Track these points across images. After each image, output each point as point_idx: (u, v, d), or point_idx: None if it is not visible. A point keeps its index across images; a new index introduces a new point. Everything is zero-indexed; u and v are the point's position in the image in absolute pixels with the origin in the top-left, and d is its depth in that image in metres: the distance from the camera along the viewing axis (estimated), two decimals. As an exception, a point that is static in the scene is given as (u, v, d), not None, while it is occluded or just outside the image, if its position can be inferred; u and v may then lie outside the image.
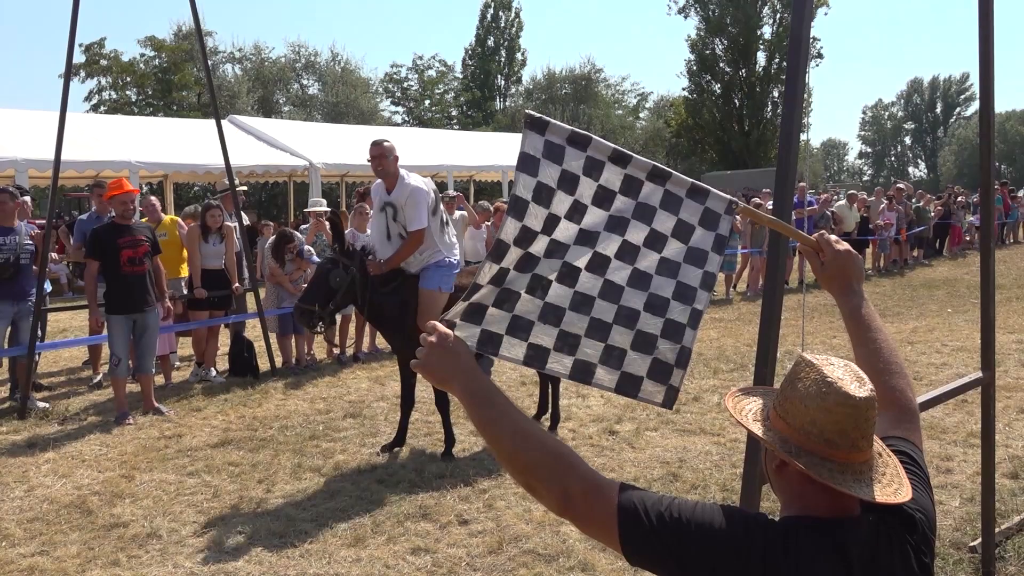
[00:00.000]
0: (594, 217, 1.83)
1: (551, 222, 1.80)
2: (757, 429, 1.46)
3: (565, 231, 1.82)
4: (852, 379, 1.40)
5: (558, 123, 1.78)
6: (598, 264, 1.86)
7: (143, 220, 8.09)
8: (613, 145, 1.82)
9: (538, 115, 1.77)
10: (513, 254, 1.78)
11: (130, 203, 6.96)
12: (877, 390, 1.46)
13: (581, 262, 1.84)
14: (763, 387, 1.62)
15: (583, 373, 1.88)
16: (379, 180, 5.94)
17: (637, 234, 1.87)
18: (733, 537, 1.38)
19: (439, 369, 1.61)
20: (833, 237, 1.90)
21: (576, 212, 1.82)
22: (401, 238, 5.79)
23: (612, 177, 1.83)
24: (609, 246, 1.86)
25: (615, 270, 1.87)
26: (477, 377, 1.59)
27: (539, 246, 1.80)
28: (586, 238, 1.84)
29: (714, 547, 1.38)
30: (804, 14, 2.45)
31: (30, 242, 7.32)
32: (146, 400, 7.10)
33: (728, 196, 1.93)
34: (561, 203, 1.80)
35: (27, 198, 8.17)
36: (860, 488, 1.37)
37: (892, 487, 1.39)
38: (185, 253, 8.39)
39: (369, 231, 7.50)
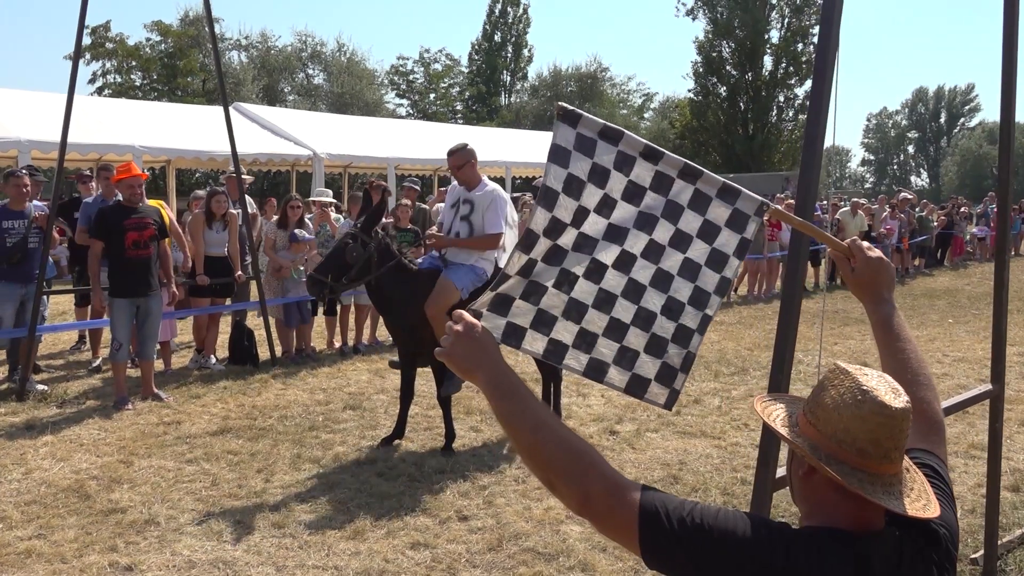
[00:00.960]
0: (623, 212, 1.82)
1: (581, 214, 1.78)
2: (786, 434, 1.44)
3: (594, 225, 1.80)
4: (888, 389, 1.38)
5: (591, 116, 1.76)
6: (624, 262, 1.85)
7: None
8: (645, 141, 1.81)
9: (571, 107, 1.75)
10: (542, 245, 1.77)
11: (137, 187, 6.92)
12: None
13: (608, 258, 1.84)
14: (789, 395, 1.60)
15: (596, 371, 1.89)
16: (454, 182, 6.08)
17: (664, 233, 1.87)
18: (755, 545, 1.36)
19: (464, 359, 1.58)
20: (865, 244, 1.87)
21: (605, 206, 1.80)
22: (458, 236, 5.85)
23: (643, 173, 1.81)
24: (636, 244, 1.85)
25: (640, 269, 1.87)
26: (502, 369, 1.56)
27: (568, 238, 1.79)
28: (615, 234, 1.83)
29: (735, 555, 1.36)
30: (833, 18, 2.43)
31: (36, 226, 7.29)
32: (145, 386, 7.07)
33: (760, 197, 1.91)
34: (591, 196, 1.78)
35: (40, 176, 8.16)
36: (890, 500, 1.35)
37: (921, 502, 1.37)
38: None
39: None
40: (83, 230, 7.66)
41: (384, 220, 9.50)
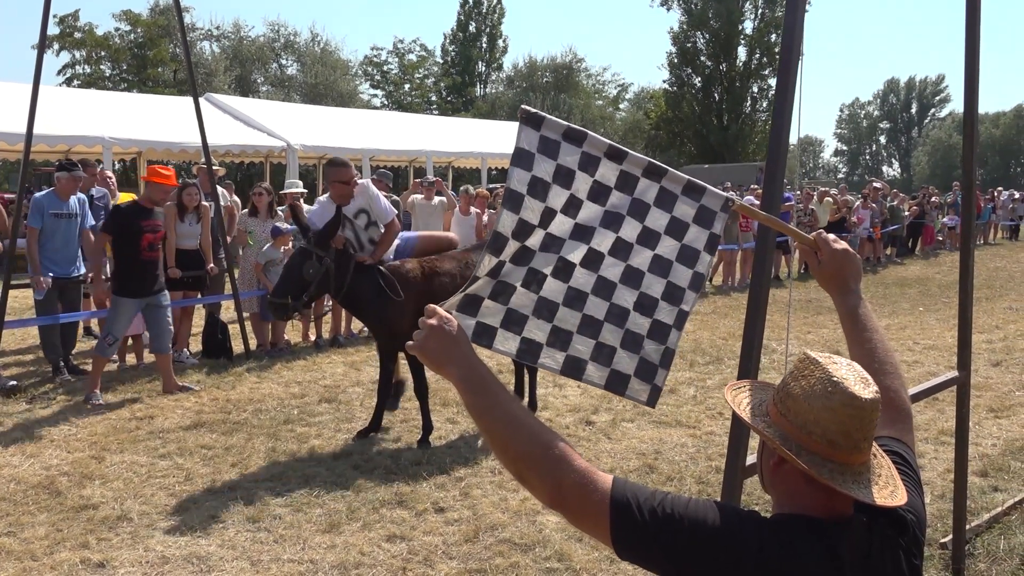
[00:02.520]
0: (589, 212, 1.83)
1: (547, 215, 1.80)
2: (757, 424, 1.46)
3: (560, 225, 1.82)
4: (857, 379, 1.39)
5: (554, 119, 1.78)
6: (592, 260, 1.86)
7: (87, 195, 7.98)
8: (609, 141, 1.83)
9: (533, 111, 1.77)
10: (511, 247, 1.78)
11: (167, 195, 7.15)
12: None
13: (576, 257, 1.85)
14: (759, 382, 1.61)
15: (574, 369, 1.90)
16: (325, 202, 6.12)
17: (631, 231, 1.88)
18: (726, 534, 1.37)
19: (436, 353, 1.58)
20: (831, 236, 1.90)
21: (571, 206, 1.82)
22: (372, 243, 5.96)
23: (607, 173, 1.83)
24: (603, 242, 1.87)
25: (608, 266, 1.88)
26: (474, 364, 1.56)
27: (535, 239, 1.80)
28: (581, 233, 1.84)
29: (706, 544, 1.37)
30: (797, 15, 2.44)
31: None
32: (167, 379, 7.03)
33: (724, 194, 1.94)
34: (557, 196, 1.80)
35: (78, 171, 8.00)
36: (859, 489, 1.36)
37: (888, 489, 1.39)
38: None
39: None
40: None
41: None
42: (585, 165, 1.81)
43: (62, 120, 15.54)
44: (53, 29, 32.75)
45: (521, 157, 1.76)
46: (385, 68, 49.26)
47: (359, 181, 6.06)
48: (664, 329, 1.95)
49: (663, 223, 1.90)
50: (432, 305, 1.65)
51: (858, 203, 17.05)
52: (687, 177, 1.91)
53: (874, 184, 19.05)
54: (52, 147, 15.55)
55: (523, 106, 1.81)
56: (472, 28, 50.64)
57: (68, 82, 36.03)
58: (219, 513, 4.56)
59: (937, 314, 11.40)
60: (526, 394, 6.51)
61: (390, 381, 6.02)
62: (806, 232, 1.92)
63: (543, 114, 1.78)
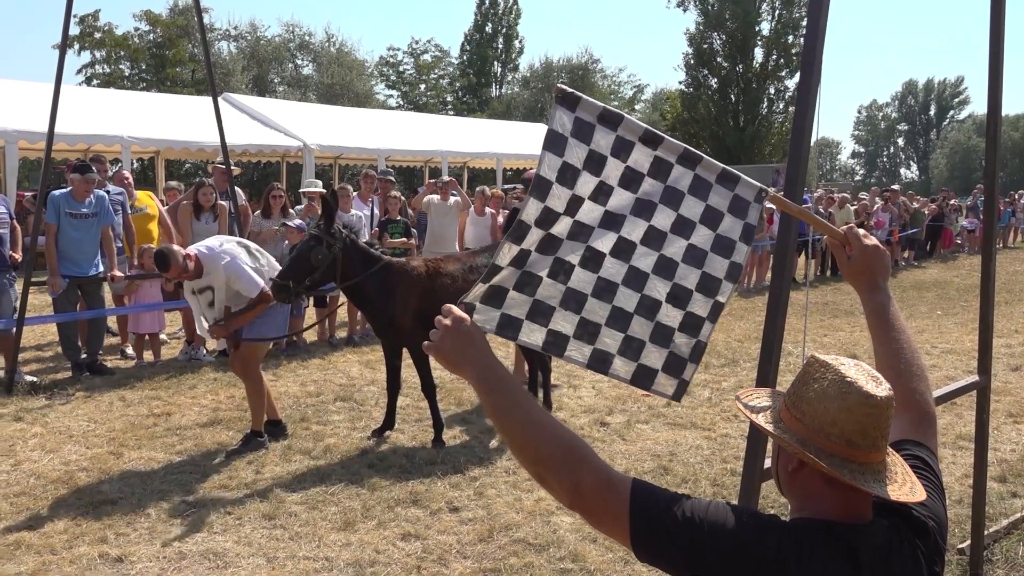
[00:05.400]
0: (620, 199, 1.78)
1: (574, 203, 1.74)
2: (773, 429, 1.45)
3: (589, 213, 1.76)
4: (868, 378, 1.38)
5: (590, 99, 1.71)
6: (622, 249, 1.81)
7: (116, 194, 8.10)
8: (645, 125, 1.77)
9: (570, 90, 1.70)
10: (534, 235, 1.74)
11: None
12: (897, 391, 1.44)
13: (605, 246, 1.80)
14: (769, 390, 1.59)
15: (600, 363, 1.85)
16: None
17: (664, 219, 1.83)
18: (745, 538, 1.37)
19: (452, 353, 1.57)
20: (862, 231, 1.86)
21: (601, 193, 1.76)
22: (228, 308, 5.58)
23: (641, 158, 1.78)
24: (634, 231, 1.81)
25: (640, 256, 1.83)
26: (491, 364, 1.55)
27: (561, 227, 1.75)
28: (611, 221, 1.79)
29: (726, 547, 1.36)
30: (821, 11, 2.43)
31: (4, 211, 7.22)
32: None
33: (758, 184, 1.89)
34: (586, 184, 1.74)
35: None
36: (881, 488, 1.36)
37: (907, 486, 1.38)
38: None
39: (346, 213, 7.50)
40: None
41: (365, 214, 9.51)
42: (618, 150, 1.75)
43: (82, 119, 15.69)
44: (74, 29, 32.99)
45: (554, 141, 1.71)
46: (401, 68, 49.34)
47: (205, 253, 5.45)
48: (697, 321, 1.90)
49: (698, 212, 1.84)
50: (448, 305, 1.62)
51: (878, 205, 16.90)
52: (721, 165, 1.86)
53: (894, 187, 18.91)
54: (72, 146, 15.70)
55: (559, 84, 1.75)
56: (488, 29, 50.62)
57: (88, 81, 36.29)
58: (235, 510, 4.59)
59: (955, 318, 11.30)
60: (540, 395, 6.51)
61: (399, 379, 6.04)
62: None
63: (579, 94, 1.71)
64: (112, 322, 9.14)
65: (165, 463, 5.31)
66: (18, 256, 7.41)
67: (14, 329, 7.05)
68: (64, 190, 7.48)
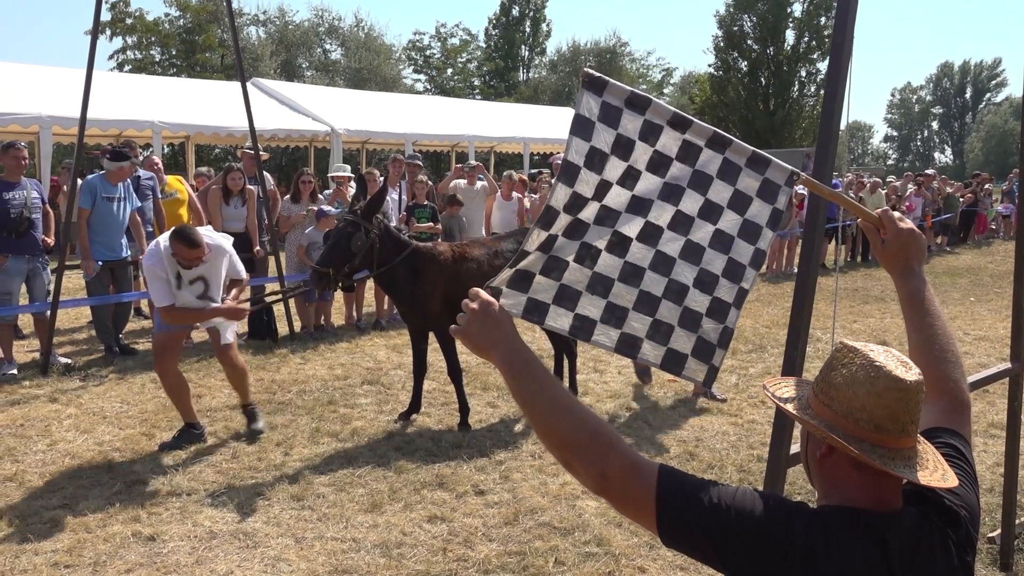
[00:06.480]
0: (648, 184, 1.77)
1: (602, 188, 1.73)
2: (802, 415, 1.44)
3: (617, 197, 1.75)
4: (898, 363, 1.37)
5: (618, 83, 1.70)
6: (649, 234, 1.80)
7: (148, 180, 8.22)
8: (673, 109, 1.75)
9: (597, 74, 1.69)
10: (562, 220, 1.73)
11: None
12: (930, 378, 1.42)
13: (632, 231, 1.79)
14: (796, 379, 1.58)
15: (629, 347, 1.84)
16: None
17: (691, 204, 1.81)
18: (773, 525, 1.36)
19: (479, 337, 1.57)
20: (896, 214, 1.82)
21: (629, 178, 1.75)
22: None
23: (669, 142, 1.76)
24: (662, 215, 1.80)
25: (667, 241, 1.81)
26: (517, 348, 1.54)
27: (589, 212, 1.74)
28: (638, 206, 1.77)
29: (753, 534, 1.36)
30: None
31: (37, 196, 7.32)
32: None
33: (790, 167, 1.86)
34: (614, 169, 1.73)
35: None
36: (913, 474, 1.34)
37: (938, 472, 1.37)
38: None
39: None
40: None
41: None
42: (646, 134, 1.74)
43: (114, 105, 15.87)
44: (105, 15, 33.35)
45: (581, 126, 1.69)
46: (428, 53, 49.32)
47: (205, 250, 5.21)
48: (724, 307, 1.89)
49: (726, 196, 1.82)
50: (475, 288, 1.62)
51: (911, 190, 16.64)
52: (752, 148, 1.83)
53: (927, 171, 18.59)
54: (104, 131, 15.88)
55: (586, 69, 1.73)
56: (515, 12, 50.38)
57: (119, 67, 36.72)
58: (264, 491, 4.66)
59: (988, 304, 11.12)
60: (566, 380, 6.52)
61: (425, 362, 6.07)
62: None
63: (606, 78, 1.70)
64: (144, 305, 9.28)
65: (196, 444, 5.39)
66: (50, 240, 7.53)
67: (48, 312, 7.18)
68: (97, 173, 7.58)
